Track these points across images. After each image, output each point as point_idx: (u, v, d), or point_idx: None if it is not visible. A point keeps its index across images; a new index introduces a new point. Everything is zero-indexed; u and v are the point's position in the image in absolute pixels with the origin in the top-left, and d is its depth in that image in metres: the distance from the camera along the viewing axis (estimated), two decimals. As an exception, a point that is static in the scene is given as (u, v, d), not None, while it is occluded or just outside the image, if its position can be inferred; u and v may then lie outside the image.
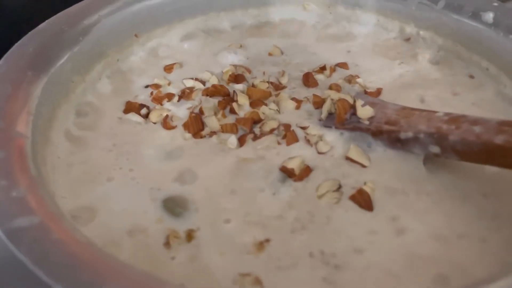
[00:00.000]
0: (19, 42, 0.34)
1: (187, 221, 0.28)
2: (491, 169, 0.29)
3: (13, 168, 0.25)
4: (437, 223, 0.27)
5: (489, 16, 0.38)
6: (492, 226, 0.27)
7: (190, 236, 0.27)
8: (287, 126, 0.34)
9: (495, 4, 0.39)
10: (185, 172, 0.31)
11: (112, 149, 0.32)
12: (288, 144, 0.32)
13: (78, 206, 0.28)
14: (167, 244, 0.26)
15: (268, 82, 0.38)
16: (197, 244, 0.26)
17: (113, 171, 0.31)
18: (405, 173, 0.30)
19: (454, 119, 0.29)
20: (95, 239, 0.25)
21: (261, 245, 0.26)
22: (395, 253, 0.26)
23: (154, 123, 0.35)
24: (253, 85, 0.38)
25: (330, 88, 0.38)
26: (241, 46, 0.43)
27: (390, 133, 0.31)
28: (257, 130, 0.34)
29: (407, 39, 0.44)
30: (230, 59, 0.42)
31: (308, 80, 0.39)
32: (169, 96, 0.37)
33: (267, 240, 0.26)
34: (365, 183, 0.29)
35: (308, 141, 0.33)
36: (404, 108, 0.33)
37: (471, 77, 0.39)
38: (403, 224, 0.27)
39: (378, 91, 0.38)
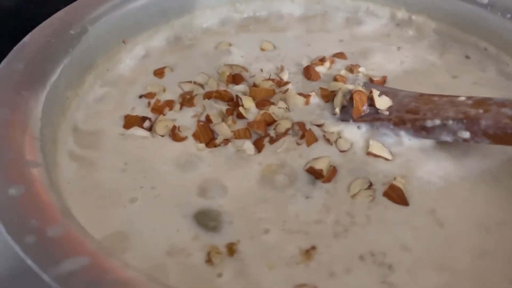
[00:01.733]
0: (5, 59, 0.31)
1: (225, 235, 0.26)
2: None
3: (38, 203, 0.23)
4: (475, 211, 0.28)
5: (484, -3, 0.39)
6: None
7: (231, 250, 0.26)
8: (301, 125, 0.33)
9: (488, -16, 0.39)
10: (209, 184, 0.29)
11: (125, 169, 0.30)
12: (308, 144, 0.31)
13: (106, 235, 0.26)
14: (209, 261, 0.25)
15: (270, 79, 0.37)
16: (241, 258, 0.25)
17: (134, 192, 0.29)
18: (431, 162, 0.30)
19: (480, 102, 0.29)
20: (136, 266, 0.23)
21: (308, 254, 0.25)
22: (442, 246, 0.26)
23: (162, 135, 0.33)
24: (254, 85, 0.36)
25: (335, 79, 0.37)
26: (230, 44, 0.42)
27: (414, 122, 0.31)
28: (271, 132, 0.32)
29: (399, 25, 0.43)
30: (223, 59, 0.40)
31: (309, 73, 0.38)
32: (169, 104, 0.35)
33: (313, 248, 0.26)
34: (395, 178, 0.29)
35: (327, 140, 0.32)
36: (422, 94, 0.33)
37: (468, 57, 0.40)
38: (441, 215, 0.27)
39: (383, 79, 0.38)
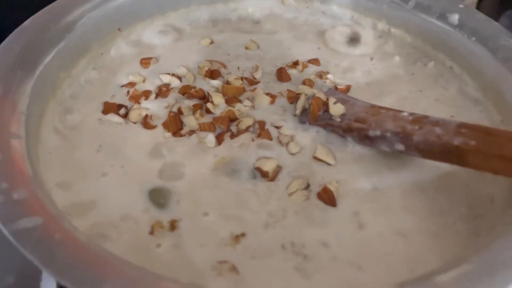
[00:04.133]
0: (5, 40, 0.37)
1: (170, 212, 0.32)
2: (446, 167, 0.34)
3: (12, 170, 0.28)
4: (395, 218, 0.32)
5: (455, 18, 0.42)
6: (443, 222, 0.32)
7: (173, 226, 0.31)
8: (261, 124, 0.37)
9: (461, 6, 0.42)
10: (169, 167, 0.34)
11: (99, 150, 0.35)
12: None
13: (77, 200, 0.32)
14: (152, 232, 0.30)
15: (242, 78, 0.41)
16: (180, 234, 0.30)
17: (105, 168, 0.34)
18: (368, 171, 0.35)
19: (418, 120, 0.33)
20: (96, 227, 0.30)
21: (237, 238, 0.30)
22: (356, 246, 0.30)
23: (134, 123, 0.37)
24: (227, 82, 0.41)
25: (304, 83, 0.41)
26: (212, 42, 0.46)
27: (360, 131, 0.35)
28: (234, 128, 0.37)
29: (381, 36, 0.47)
30: (207, 54, 0.45)
31: (281, 75, 0.42)
32: (146, 94, 0.40)
33: (243, 234, 0.30)
34: (330, 182, 0.33)
35: (280, 142, 0.36)
36: (373, 106, 0.37)
37: (434, 74, 0.43)
38: (363, 219, 0.32)
39: (347, 88, 0.42)
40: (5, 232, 0.25)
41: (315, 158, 0.35)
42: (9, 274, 0.52)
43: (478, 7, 0.73)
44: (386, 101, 0.40)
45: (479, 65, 0.40)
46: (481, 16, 0.41)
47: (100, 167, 0.34)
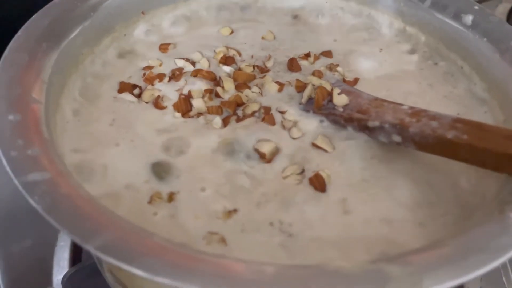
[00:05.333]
0: (35, 15, 0.40)
1: (169, 184, 0.34)
2: (442, 163, 0.35)
3: (29, 129, 0.32)
4: (383, 207, 0.34)
5: (469, 19, 0.43)
6: (431, 214, 0.33)
7: (170, 198, 0.33)
8: (267, 109, 0.40)
9: (476, 7, 0.44)
10: (174, 144, 0.37)
11: (112, 124, 0.39)
12: (266, 127, 0.38)
13: (89, 166, 0.35)
14: (150, 202, 0.33)
15: (253, 66, 0.44)
16: (176, 205, 0.33)
17: (117, 139, 0.37)
18: (363, 161, 0.36)
19: (416, 113, 0.35)
20: (102, 191, 0.33)
21: (229, 213, 0.33)
22: (340, 229, 0.32)
23: (146, 102, 0.41)
24: (239, 69, 0.44)
25: (313, 74, 0.43)
26: (232, 32, 0.49)
27: (360, 121, 0.37)
28: (240, 112, 0.40)
29: (397, 35, 0.49)
30: (224, 42, 0.48)
31: (292, 65, 0.45)
32: (160, 77, 0.43)
33: (235, 210, 0.33)
34: (323, 169, 0.35)
35: (283, 126, 0.38)
36: (376, 99, 0.39)
37: (445, 73, 0.45)
38: (350, 205, 0.34)
39: (355, 80, 0.44)
40: (16, 182, 0.28)
41: (314, 145, 0.37)
42: (27, 238, 0.56)
43: (509, 18, 0.73)
44: (394, 96, 0.41)
45: (488, 66, 0.41)
46: (494, 18, 0.43)
47: (112, 139, 0.37)
